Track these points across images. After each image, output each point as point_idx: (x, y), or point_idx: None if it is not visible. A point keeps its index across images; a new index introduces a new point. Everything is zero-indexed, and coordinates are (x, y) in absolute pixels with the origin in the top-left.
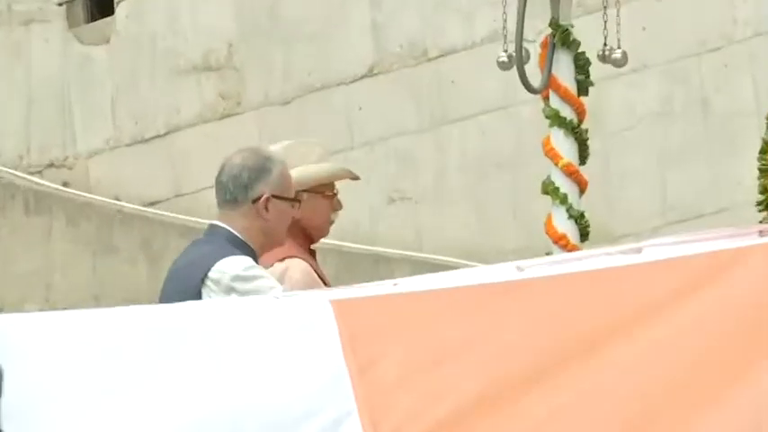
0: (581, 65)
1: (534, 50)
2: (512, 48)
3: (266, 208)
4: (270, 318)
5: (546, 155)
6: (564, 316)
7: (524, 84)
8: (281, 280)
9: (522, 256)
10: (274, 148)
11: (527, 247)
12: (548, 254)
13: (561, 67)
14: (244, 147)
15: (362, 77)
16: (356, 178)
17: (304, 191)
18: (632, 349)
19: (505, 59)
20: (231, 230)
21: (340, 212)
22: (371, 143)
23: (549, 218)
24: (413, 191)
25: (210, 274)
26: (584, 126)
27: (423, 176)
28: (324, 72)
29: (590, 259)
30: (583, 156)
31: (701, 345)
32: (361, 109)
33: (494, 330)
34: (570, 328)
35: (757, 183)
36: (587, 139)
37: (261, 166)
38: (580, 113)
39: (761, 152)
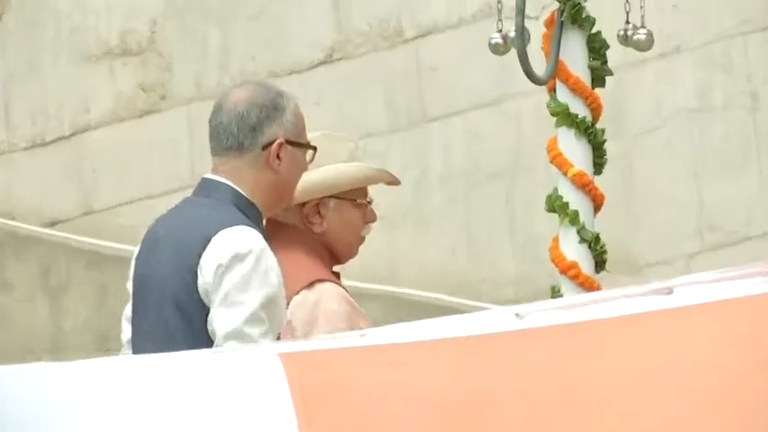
0: (596, 48)
1: (537, 30)
2: (508, 26)
3: (278, 156)
4: (209, 378)
5: (552, 162)
6: (572, 381)
7: (525, 72)
8: (312, 316)
9: (520, 290)
10: None
11: (527, 279)
12: (554, 289)
13: (571, 52)
14: (248, 82)
15: (320, 64)
16: (396, 183)
17: (331, 197)
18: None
19: (500, 41)
20: (234, 186)
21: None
22: None
23: (555, 242)
24: (384, 207)
25: (204, 255)
26: (599, 126)
27: (397, 189)
28: (271, 57)
29: (606, 303)
30: (598, 163)
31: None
32: (318, 104)
33: (476, 395)
34: (579, 398)
35: None
36: (604, 141)
37: (273, 103)
38: (595, 110)
39: None
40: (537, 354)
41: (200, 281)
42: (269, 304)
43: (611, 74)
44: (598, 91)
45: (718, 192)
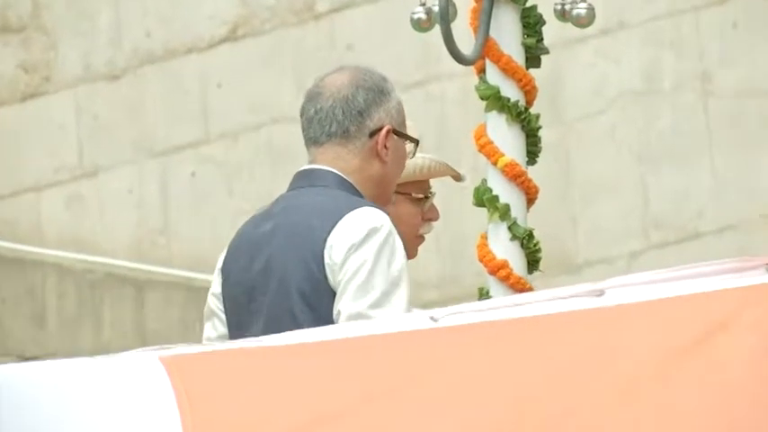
0: (531, 24)
1: (465, 4)
2: (432, 0)
3: (385, 146)
4: (91, 383)
5: (480, 150)
6: (489, 379)
7: (450, 51)
8: None
9: (444, 292)
10: None
11: (452, 280)
12: (481, 291)
13: (503, 28)
14: (343, 66)
15: (222, 41)
16: (459, 178)
17: None
18: None
19: (423, 16)
20: (341, 175)
21: (181, 233)
22: (235, 134)
23: (483, 239)
24: None
25: (331, 237)
26: (533, 110)
27: None
28: (168, 34)
29: (530, 306)
30: (532, 152)
31: None
32: (220, 86)
33: (374, 394)
34: (497, 400)
35: None
36: (539, 128)
37: (378, 87)
38: (529, 92)
39: None
40: (447, 352)
41: (327, 262)
42: (395, 287)
43: (547, 52)
44: (532, 72)
45: (666, 184)
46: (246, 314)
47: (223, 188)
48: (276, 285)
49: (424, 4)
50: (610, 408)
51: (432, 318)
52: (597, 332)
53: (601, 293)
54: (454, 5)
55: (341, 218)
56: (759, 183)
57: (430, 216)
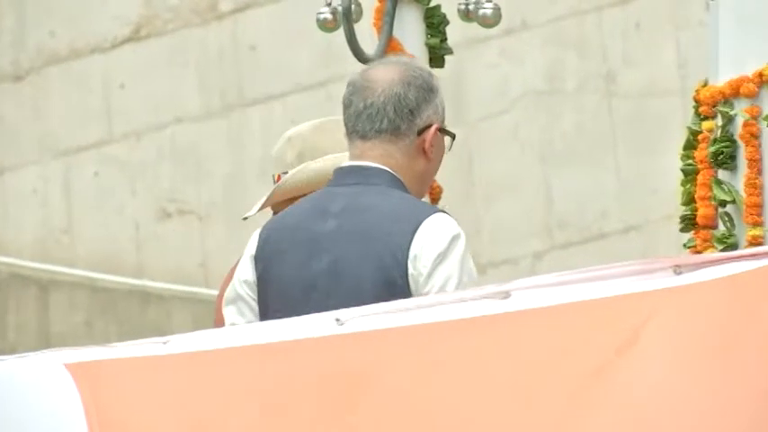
0: (435, 24)
1: (370, 3)
2: (337, 0)
3: (432, 143)
4: None
5: None
6: (392, 383)
7: (353, 51)
8: None
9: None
10: (297, 130)
11: None
12: None
13: (406, 27)
14: (386, 60)
15: (125, 42)
16: None
17: None
18: None
19: (328, 16)
20: (392, 172)
21: (85, 233)
22: (138, 134)
23: None
24: (196, 201)
25: (414, 245)
26: None
27: (211, 181)
28: (72, 34)
29: (437, 308)
30: None
31: None
32: (123, 86)
33: (281, 402)
34: (400, 400)
35: (679, 190)
36: None
37: (428, 84)
38: None
39: (685, 147)
40: (355, 360)
41: (411, 272)
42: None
43: (450, 52)
44: (436, 72)
45: (570, 184)
46: (302, 310)
47: (126, 188)
48: (348, 290)
49: (329, 5)
50: (514, 417)
51: (337, 320)
52: (504, 339)
53: (507, 296)
54: (359, 5)
55: (419, 224)
56: (663, 183)
57: None
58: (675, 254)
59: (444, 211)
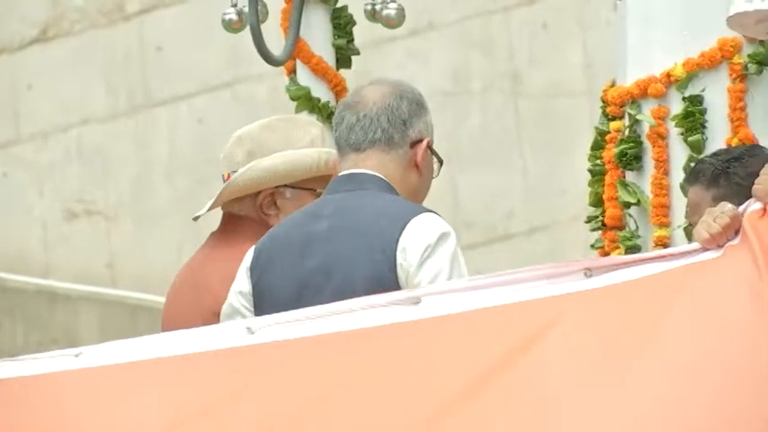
0: (342, 25)
1: (277, 5)
2: (245, 1)
3: (422, 157)
4: None
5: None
6: (304, 395)
7: (261, 52)
8: None
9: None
10: (246, 129)
11: None
12: None
13: (313, 28)
14: (378, 79)
15: (32, 42)
16: None
17: (287, 186)
18: None
19: (234, 17)
20: (386, 180)
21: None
22: (45, 134)
23: None
24: (103, 202)
25: (403, 239)
26: None
27: (117, 181)
28: None
29: (346, 315)
30: None
31: None
32: (30, 87)
33: (194, 416)
34: (307, 407)
35: (587, 190)
36: None
37: (418, 100)
38: (339, 93)
39: (593, 148)
40: (268, 370)
41: (400, 262)
42: None
43: (357, 53)
44: (343, 72)
45: (476, 185)
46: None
47: (34, 188)
48: (339, 284)
49: (235, 5)
50: (426, 423)
51: (248, 329)
52: (414, 347)
53: (417, 301)
54: (265, 6)
55: (409, 220)
56: (569, 183)
57: None
58: (582, 254)
59: (435, 212)
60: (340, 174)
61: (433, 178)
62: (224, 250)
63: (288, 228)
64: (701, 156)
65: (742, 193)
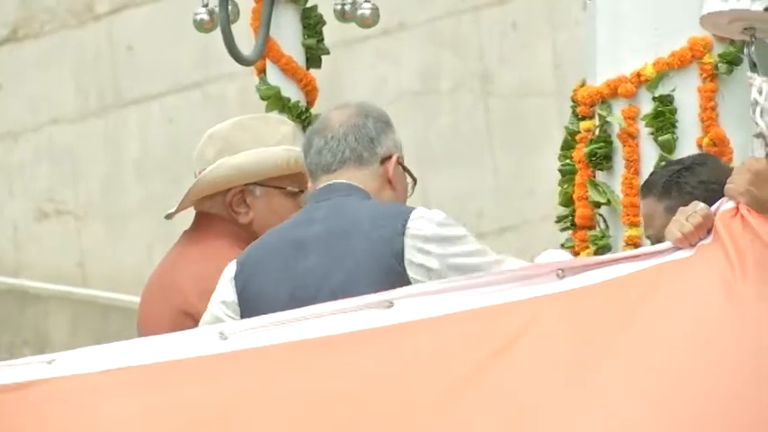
0: (311, 24)
1: (246, 4)
2: (214, 1)
3: (393, 173)
4: None
5: None
6: (277, 401)
7: (231, 51)
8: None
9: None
10: (218, 128)
11: None
12: None
13: (283, 28)
14: (345, 103)
15: (2, 43)
16: None
17: (256, 184)
18: None
19: (206, 17)
20: (365, 190)
21: None
22: (13, 135)
23: None
24: (73, 201)
25: (411, 224)
26: (314, 111)
27: (88, 181)
28: None
29: (316, 320)
30: None
31: None
32: (0, 87)
33: (166, 423)
34: (280, 412)
35: (557, 190)
36: None
37: (383, 118)
38: (309, 93)
39: (563, 147)
40: (241, 377)
41: (407, 257)
42: (479, 247)
43: (327, 53)
44: (313, 72)
45: (446, 185)
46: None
47: (4, 188)
48: (340, 281)
49: (206, 5)
50: (401, 429)
51: (221, 334)
52: (386, 352)
53: (390, 305)
54: (236, 6)
55: (410, 213)
56: (539, 183)
57: None
58: None
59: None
60: (318, 188)
61: (407, 197)
62: (194, 248)
63: (278, 234)
64: (672, 155)
65: (693, 202)
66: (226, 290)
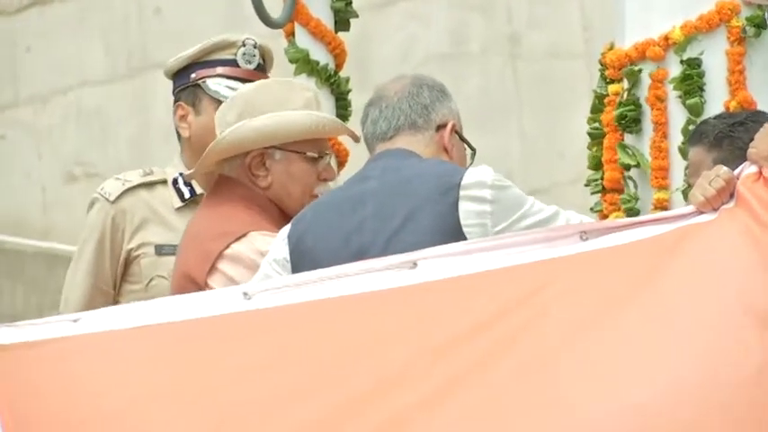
0: None
1: None
2: None
3: (449, 140)
4: None
5: None
6: (308, 363)
7: (260, 14)
8: (249, 266)
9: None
10: (240, 91)
11: None
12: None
13: None
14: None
15: (31, 5)
16: (355, 138)
17: (276, 147)
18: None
19: None
20: (420, 155)
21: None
22: (44, 97)
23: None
24: (102, 164)
25: (465, 182)
26: (343, 74)
27: (116, 143)
28: None
29: (343, 279)
30: (343, 115)
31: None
32: (29, 50)
33: (197, 382)
34: (304, 371)
35: (586, 153)
36: (349, 91)
37: (439, 87)
38: (338, 56)
39: (592, 111)
40: (264, 336)
41: (463, 208)
42: (530, 201)
43: (356, 16)
44: (342, 35)
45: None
46: (344, 259)
47: (32, 151)
48: (398, 225)
49: None
50: (425, 386)
51: (245, 294)
52: (411, 312)
53: (414, 265)
54: None
55: (465, 170)
56: (568, 146)
57: (326, 176)
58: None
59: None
60: (375, 153)
61: (466, 167)
62: (208, 211)
63: (333, 194)
64: (700, 118)
65: (742, 159)
66: (278, 248)
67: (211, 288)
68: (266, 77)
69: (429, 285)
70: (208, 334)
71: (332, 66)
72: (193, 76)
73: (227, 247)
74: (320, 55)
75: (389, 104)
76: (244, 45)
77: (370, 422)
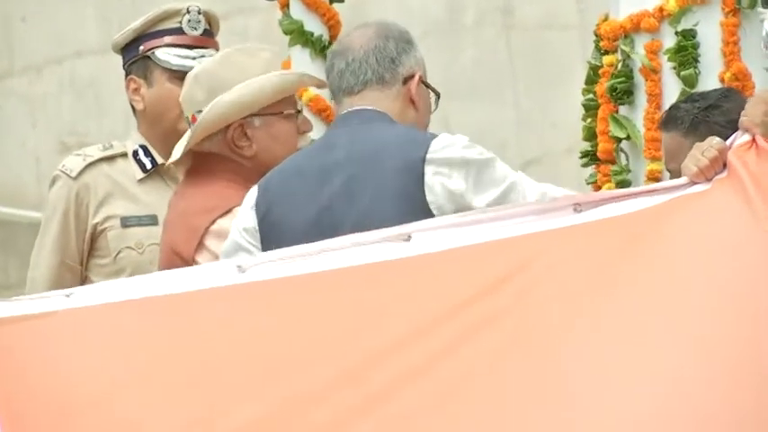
0: None
1: None
2: None
3: (416, 92)
4: None
5: None
6: (295, 333)
7: None
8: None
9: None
10: (202, 67)
11: None
12: None
13: None
14: (364, 24)
15: None
16: (322, 85)
17: (254, 115)
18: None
19: None
20: (388, 115)
21: (12, 167)
22: (36, 67)
23: None
24: (97, 134)
25: (433, 149)
26: None
27: (111, 114)
28: None
29: (336, 252)
30: None
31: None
32: (24, 19)
33: (190, 353)
34: (298, 345)
35: (580, 124)
36: None
37: (404, 37)
38: (333, 27)
39: (586, 82)
40: (258, 309)
41: (431, 182)
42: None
43: None
44: (336, 6)
45: (469, 118)
46: (315, 236)
47: (26, 121)
48: (366, 204)
49: None
50: (417, 355)
51: (239, 267)
52: (405, 284)
53: (407, 238)
54: None
55: (433, 139)
56: (562, 116)
57: (304, 129)
58: (576, 187)
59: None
60: (341, 113)
61: (431, 112)
62: (191, 189)
63: (299, 160)
64: (694, 90)
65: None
66: (247, 217)
67: (199, 264)
68: (214, 42)
69: (423, 257)
70: (202, 306)
71: (326, 37)
72: (142, 48)
73: (213, 222)
74: (315, 26)
75: (356, 58)
76: (188, 12)
77: (364, 393)
